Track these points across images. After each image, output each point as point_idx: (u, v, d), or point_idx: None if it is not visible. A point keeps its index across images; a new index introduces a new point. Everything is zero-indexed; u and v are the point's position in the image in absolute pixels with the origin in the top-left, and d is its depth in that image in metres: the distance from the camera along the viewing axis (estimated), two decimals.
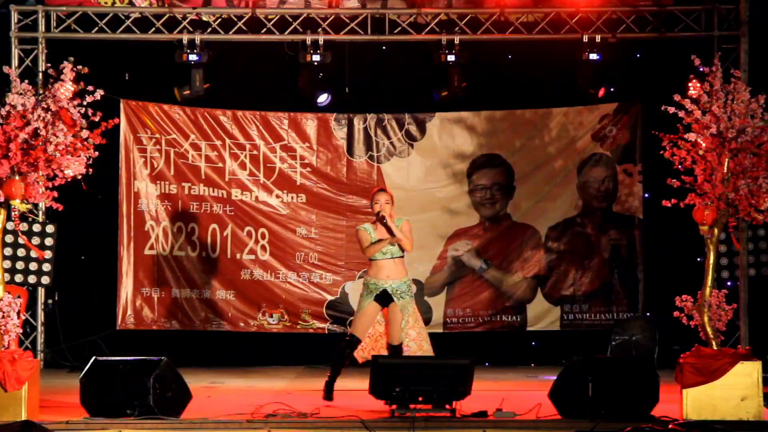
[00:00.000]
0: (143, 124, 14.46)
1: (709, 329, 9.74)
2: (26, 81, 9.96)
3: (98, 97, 9.82)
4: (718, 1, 13.67)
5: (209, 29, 13.95)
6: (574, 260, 14.55)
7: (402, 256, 10.43)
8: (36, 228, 13.45)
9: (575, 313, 14.50)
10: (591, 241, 14.57)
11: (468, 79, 13.86)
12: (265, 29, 13.94)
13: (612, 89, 14.21)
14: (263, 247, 14.57)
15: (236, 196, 14.56)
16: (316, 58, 13.72)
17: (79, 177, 9.91)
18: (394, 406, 9.36)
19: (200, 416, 9.48)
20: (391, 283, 10.37)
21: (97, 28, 13.92)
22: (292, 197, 14.66)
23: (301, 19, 13.93)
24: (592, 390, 9.28)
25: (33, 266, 13.47)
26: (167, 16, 13.87)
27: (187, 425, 9.26)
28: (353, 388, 10.69)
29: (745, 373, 9.58)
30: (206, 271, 14.50)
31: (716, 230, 9.78)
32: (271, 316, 14.49)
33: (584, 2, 13.72)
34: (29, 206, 10.13)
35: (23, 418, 9.32)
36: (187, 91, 13.84)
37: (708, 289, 9.77)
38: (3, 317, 9.65)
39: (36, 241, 13.30)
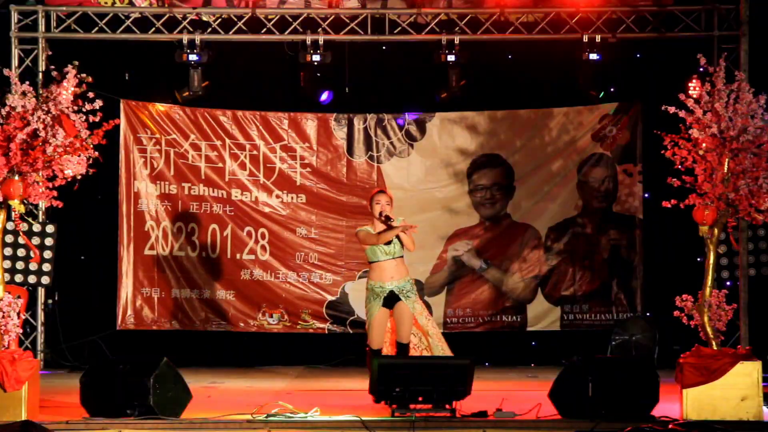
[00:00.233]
0: (143, 124, 14.46)
1: (709, 329, 9.74)
2: (26, 81, 9.96)
3: (97, 107, 9.82)
4: (718, 1, 13.66)
5: (209, 29, 13.95)
6: (574, 260, 14.55)
7: (402, 256, 10.41)
8: (36, 228, 13.45)
9: (575, 313, 14.50)
10: (591, 241, 14.56)
11: (468, 79, 13.86)
12: (265, 29, 13.94)
13: (612, 89, 14.21)
14: (263, 247, 14.57)
15: (236, 197, 14.56)
16: (316, 58, 13.72)
17: (79, 177, 9.92)
18: (394, 406, 9.36)
19: (200, 416, 9.48)
20: (396, 284, 10.34)
21: (97, 28, 13.91)
22: (292, 197, 14.66)
23: (301, 19, 13.93)
24: (592, 390, 9.28)
25: (33, 266, 13.46)
26: (167, 16, 13.87)
27: (187, 425, 9.26)
28: (353, 388, 10.70)
29: (745, 373, 9.58)
30: (206, 271, 14.50)
31: (716, 230, 9.78)
32: (271, 316, 14.49)
33: (584, 2, 13.72)
34: (27, 207, 10.12)
35: (23, 418, 9.32)
36: (187, 93, 13.85)
37: (708, 289, 9.77)
38: (3, 317, 9.65)
39: (36, 241, 13.30)
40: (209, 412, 9.66)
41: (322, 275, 14.59)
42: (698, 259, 12.56)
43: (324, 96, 14.22)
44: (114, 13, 13.89)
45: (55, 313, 14.06)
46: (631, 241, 14.53)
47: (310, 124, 14.68)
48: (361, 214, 14.11)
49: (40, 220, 13.66)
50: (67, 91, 9.73)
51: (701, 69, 10.02)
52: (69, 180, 9.89)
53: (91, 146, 9.81)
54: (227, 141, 14.57)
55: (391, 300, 10.34)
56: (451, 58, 13.65)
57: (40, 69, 13.70)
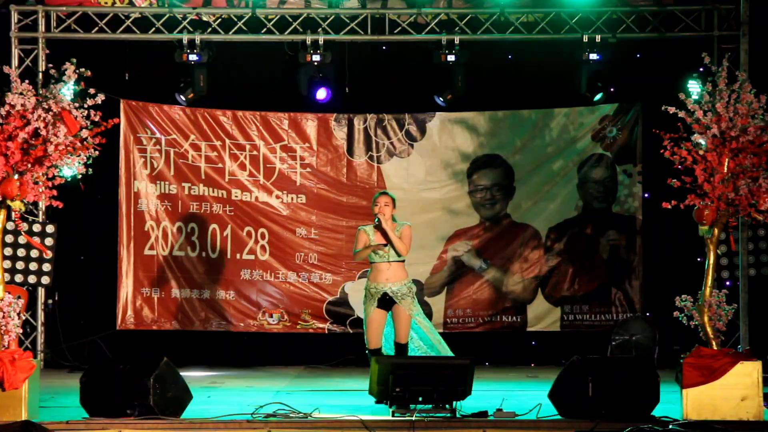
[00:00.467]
0: (143, 124, 14.46)
1: (709, 329, 9.74)
2: (26, 81, 9.95)
3: (99, 101, 9.81)
4: (718, 1, 13.67)
5: (209, 29, 13.95)
6: (574, 261, 14.55)
7: (401, 260, 10.46)
8: (36, 228, 13.45)
9: (575, 313, 14.50)
10: (591, 242, 14.56)
11: (468, 79, 13.86)
12: (265, 29, 13.94)
13: (612, 89, 14.21)
14: (263, 248, 14.57)
15: (236, 197, 14.56)
16: (316, 58, 13.72)
17: (79, 177, 9.91)
18: (394, 406, 9.35)
19: (200, 416, 9.48)
20: (391, 286, 10.41)
21: (97, 28, 13.92)
22: (292, 198, 14.65)
23: (301, 19, 13.93)
24: (592, 390, 9.27)
25: (33, 266, 13.47)
26: (167, 16, 13.87)
27: (187, 425, 9.25)
28: (353, 388, 10.69)
29: (745, 373, 9.57)
30: (206, 271, 14.50)
31: (716, 230, 9.78)
32: (271, 316, 14.49)
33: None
34: (25, 206, 10.10)
35: (23, 418, 9.31)
36: (191, 94, 13.83)
37: (708, 289, 9.76)
38: (3, 317, 9.64)
39: (36, 241, 13.28)
40: (209, 412, 9.65)
41: (322, 275, 14.59)
42: (698, 259, 12.56)
43: (321, 94, 14.13)
44: (114, 13, 13.90)
45: (55, 313, 14.06)
46: (630, 242, 14.53)
47: (310, 124, 14.68)
48: (361, 214, 14.12)
49: (40, 220, 13.66)
50: (68, 83, 9.72)
51: (701, 69, 10.01)
52: (69, 180, 9.88)
53: (92, 145, 9.80)
54: (227, 141, 14.57)
55: (386, 302, 10.40)
56: (451, 58, 13.66)
57: (40, 69, 13.70)
